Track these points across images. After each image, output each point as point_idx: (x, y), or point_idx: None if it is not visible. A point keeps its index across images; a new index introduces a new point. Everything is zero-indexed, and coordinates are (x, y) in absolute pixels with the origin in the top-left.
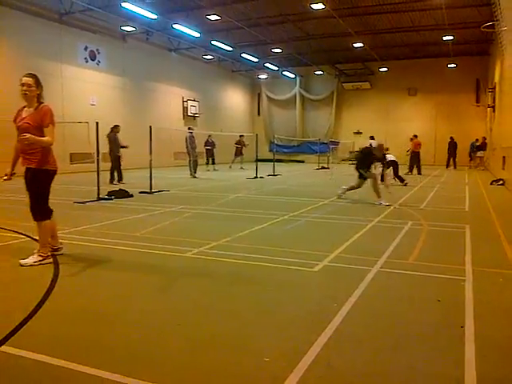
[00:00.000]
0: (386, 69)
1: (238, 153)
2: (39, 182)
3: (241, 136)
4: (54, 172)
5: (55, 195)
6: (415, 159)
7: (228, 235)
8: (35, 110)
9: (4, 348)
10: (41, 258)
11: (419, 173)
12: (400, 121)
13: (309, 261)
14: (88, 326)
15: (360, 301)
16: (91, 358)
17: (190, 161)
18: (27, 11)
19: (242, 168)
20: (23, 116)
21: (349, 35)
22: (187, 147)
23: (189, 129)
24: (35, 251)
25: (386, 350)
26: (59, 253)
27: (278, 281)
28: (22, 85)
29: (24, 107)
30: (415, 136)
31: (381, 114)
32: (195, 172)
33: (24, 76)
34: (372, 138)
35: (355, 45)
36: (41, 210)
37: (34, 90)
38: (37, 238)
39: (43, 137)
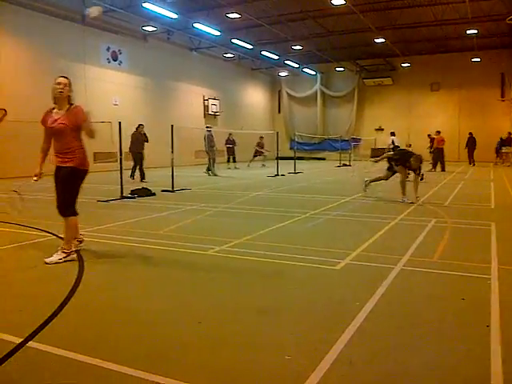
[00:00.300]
0: (408, 64)
1: (258, 153)
2: (74, 180)
3: (261, 137)
4: (87, 171)
5: (79, 194)
6: (439, 156)
7: (249, 233)
8: (67, 111)
9: (31, 343)
10: (64, 255)
11: (443, 169)
12: (422, 117)
13: (330, 259)
14: (112, 322)
15: (383, 299)
16: (114, 353)
17: (209, 159)
18: (51, 13)
19: (263, 165)
20: (55, 118)
21: (370, 31)
22: (205, 146)
23: (207, 127)
24: (59, 248)
25: (409, 349)
26: (82, 245)
27: (300, 279)
28: (58, 83)
29: (53, 109)
30: (438, 132)
31: (403, 111)
32: (209, 170)
33: (59, 76)
34: (393, 134)
35: (376, 40)
36: (70, 206)
37: (67, 91)
38: (62, 235)
39: (78, 136)
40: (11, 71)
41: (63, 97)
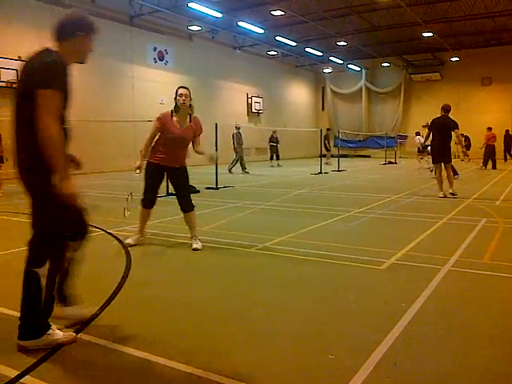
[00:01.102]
0: (457, 58)
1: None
2: (186, 177)
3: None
4: None
5: (126, 191)
6: (490, 153)
7: (292, 231)
8: (191, 122)
9: (80, 335)
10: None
11: (494, 167)
12: (472, 113)
13: (375, 258)
14: (157, 315)
15: (429, 301)
16: (159, 347)
17: (237, 157)
18: (99, 15)
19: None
20: (179, 126)
21: (417, 24)
22: (234, 144)
23: (236, 126)
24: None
25: (456, 352)
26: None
27: (343, 278)
28: (180, 95)
29: (172, 116)
30: (489, 129)
31: (452, 106)
32: (232, 167)
33: (180, 87)
34: (418, 134)
35: (424, 34)
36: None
37: (188, 100)
38: (111, 231)
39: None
40: None
41: (186, 106)
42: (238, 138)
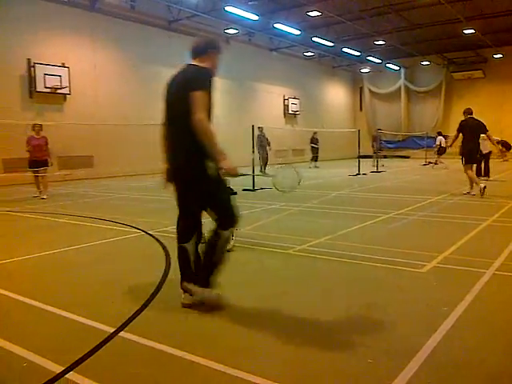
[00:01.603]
0: (500, 55)
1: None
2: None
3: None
4: None
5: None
6: None
7: (330, 233)
8: None
9: (122, 333)
10: None
11: None
12: None
13: (416, 261)
14: (195, 315)
15: (473, 305)
16: (199, 347)
17: (259, 158)
18: (139, 21)
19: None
20: None
21: (458, 21)
22: (257, 145)
23: (259, 128)
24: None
25: (499, 357)
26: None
27: (383, 281)
28: None
29: None
30: None
31: (494, 105)
32: (265, 169)
33: None
34: (440, 133)
35: (465, 31)
36: None
37: None
38: (150, 231)
39: None
40: (105, 77)
41: None
42: (260, 140)
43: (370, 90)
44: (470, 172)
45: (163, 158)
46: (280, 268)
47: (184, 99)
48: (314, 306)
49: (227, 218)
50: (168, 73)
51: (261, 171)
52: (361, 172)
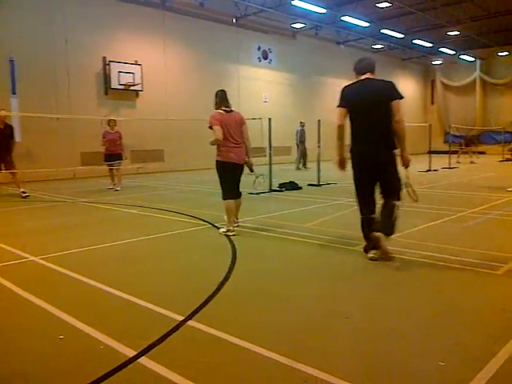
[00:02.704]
0: None
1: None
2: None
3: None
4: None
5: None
6: None
7: (398, 231)
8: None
9: (190, 322)
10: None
11: None
12: None
13: (491, 262)
14: (262, 307)
15: None
16: (263, 339)
17: (298, 153)
18: (208, 18)
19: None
20: None
21: None
22: (297, 140)
23: (301, 123)
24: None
25: None
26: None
27: (456, 282)
28: None
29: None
30: None
31: None
32: (305, 164)
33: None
34: None
35: None
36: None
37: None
38: (216, 224)
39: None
40: (175, 73)
41: None
42: (301, 135)
43: (442, 82)
44: None
45: (339, 149)
46: (344, 265)
47: (384, 105)
48: (374, 304)
49: (398, 192)
50: (235, 69)
51: (304, 166)
52: (432, 168)
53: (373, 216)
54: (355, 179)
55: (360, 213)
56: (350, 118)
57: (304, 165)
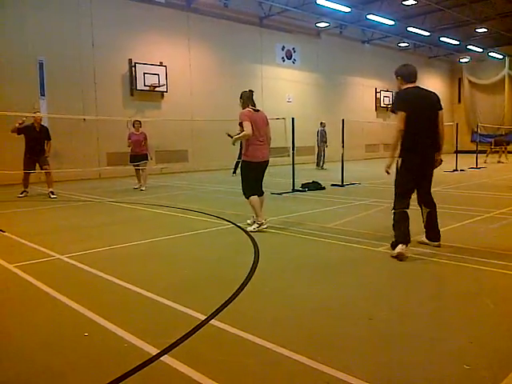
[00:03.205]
0: None
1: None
2: (242, 170)
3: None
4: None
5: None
6: None
7: (423, 231)
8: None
9: (213, 321)
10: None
11: None
12: None
13: None
14: (285, 308)
15: None
16: (286, 339)
17: (318, 152)
18: (232, 19)
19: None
20: None
21: None
22: (318, 141)
23: (321, 124)
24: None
25: None
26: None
27: (484, 285)
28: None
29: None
30: None
31: None
32: (323, 164)
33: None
34: None
35: None
36: (244, 190)
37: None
38: (239, 224)
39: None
40: (198, 74)
41: None
42: (321, 136)
43: (469, 80)
44: None
45: (394, 152)
46: (367, 265)
47: (435, 113)
48: (399, 306)
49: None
50: (258, 69)
51: (320, 166)
52: (458, 168)
53: (407, 211)
54: (404, 179)
55: (398, 207)
56: (406, 122)
57: (319, 164)
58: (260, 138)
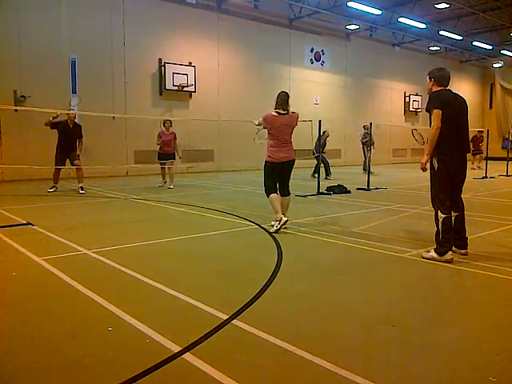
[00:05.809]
0: None
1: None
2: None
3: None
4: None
5: None
6: None
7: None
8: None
9: (235, 322)
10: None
11: None
12: None
13: None
14: (307, 311)
15: None
16: (306, 343)
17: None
18: (263, 20)
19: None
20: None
21: None
22: (363, 147)
23: (364, 127)
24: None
25: None
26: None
27: (509, 294)
28: None
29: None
30: None
31: None
32: (369, 168)
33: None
34: None
35: None
36: (265, 187)
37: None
38: (263, 225)
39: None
40: (227, 75)
41: None
42: (363, 139)
43: (502, 86)
44: None
45: (432, 150)
46: (391, 272)
47: (466, 118)
48: (424, 313)
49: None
50: (286, 71)
51: (364, 170)
52: (488, 175)
53: (450, 216)
54: (443, 181)
55: (445, 212)
56: (444, 121)
57: (365, 168)
58: (282, 140)
